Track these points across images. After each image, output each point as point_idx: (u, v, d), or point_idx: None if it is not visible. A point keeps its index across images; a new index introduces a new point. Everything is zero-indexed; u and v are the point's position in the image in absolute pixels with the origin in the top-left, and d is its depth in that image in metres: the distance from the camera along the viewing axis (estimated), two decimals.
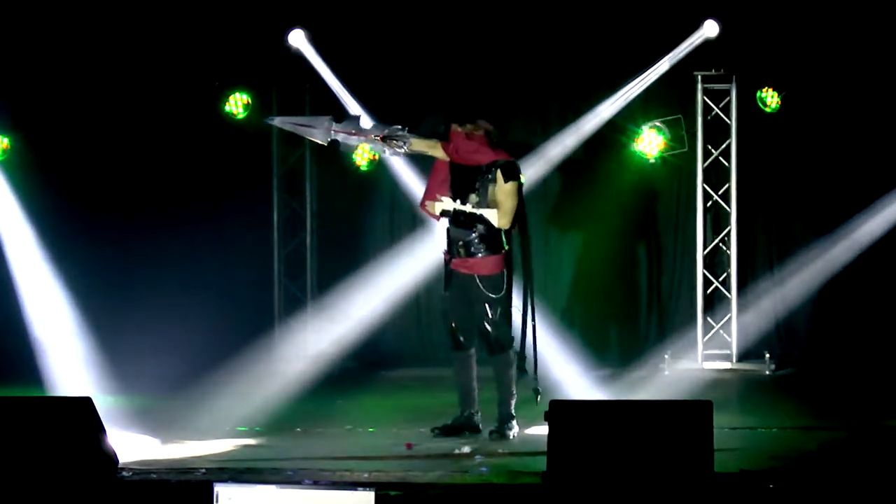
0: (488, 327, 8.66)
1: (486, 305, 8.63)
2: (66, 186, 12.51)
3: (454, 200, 8.62)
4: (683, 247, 12.96)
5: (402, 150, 8.88)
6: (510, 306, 8.73)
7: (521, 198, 8.69)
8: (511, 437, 8.67)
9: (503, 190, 8.56)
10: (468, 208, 8.56)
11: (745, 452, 7.84)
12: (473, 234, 8.61)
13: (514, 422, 8.74)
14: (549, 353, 11.15)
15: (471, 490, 6.91)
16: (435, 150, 8.81)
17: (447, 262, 8.80)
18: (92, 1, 12.19)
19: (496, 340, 8.69)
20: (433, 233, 12.03)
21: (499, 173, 8.58)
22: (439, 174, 8.86)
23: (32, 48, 12.21)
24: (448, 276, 8.79)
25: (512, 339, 8.74)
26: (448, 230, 8.75)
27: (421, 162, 11.14)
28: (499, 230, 8.60)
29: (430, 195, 8.81)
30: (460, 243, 8.66)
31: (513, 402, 8.76)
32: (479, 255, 8.63)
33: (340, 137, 8.94)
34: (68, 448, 6.14)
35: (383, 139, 8.82)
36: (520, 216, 8.72)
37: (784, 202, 12.80)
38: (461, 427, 8.84)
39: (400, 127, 8.87)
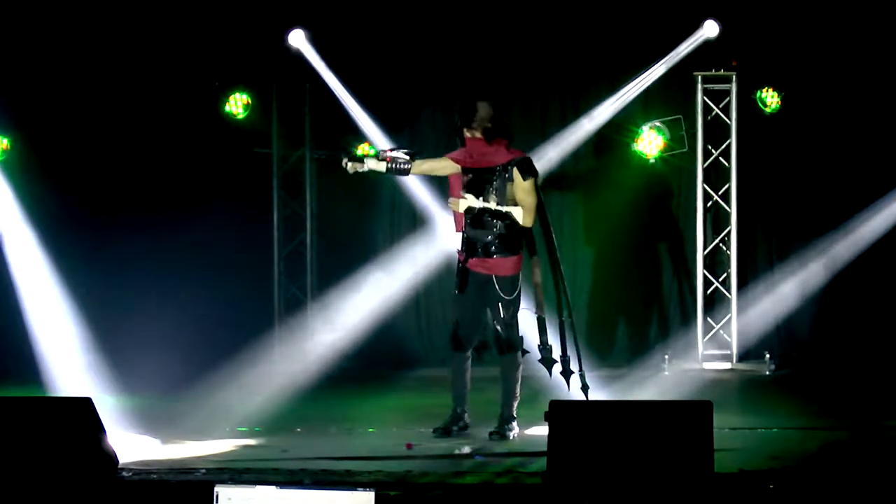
0: (500, 328, 8.66)
1: (500, 306, 8.62)
2: (66, 187, 12.51)
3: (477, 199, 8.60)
4: (683, 247, 12.97)
5: (405, 168, 8.77)
6: (519, 307, 8.72)
7: (540, 194, 8.69)
8: (511, 437, 8.67)
9: (522, 188, 8.54)
10: (493, 205, 8.53)
11: (745, 452, 7.84)
12: (493, 235, 8.60)
13: (515, 423, 8.75)
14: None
15: (471, 490, 6.91)
16: (444, 165, 8.79)
17: (462, 263, 8.74)
18: (92, 1, 12.20)
19: (507, 341, 8.68)
20: (433, 233, 12.10)
21: (516, 171, 8.56)
22: (456, 185, 8.78)
23: (33, 48, 12.22)
24: (463, 278, 8.74)
25: (521, 339, 8.73)
26: (465, 231, 8.68)
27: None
28: (517, 230, 8.59)
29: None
30: (479, 244, 8.63)
31: (515, 404, 8.77)
32: (498, 255, 8.61)
33: (350, 167, 8.97)
34: (68, 448, 6.14)
35: (389, 159, 8.74)
36: (540, 213, 8.72)
37: (784, 202, 12.80)
38: (455, 422, 8.87)
39: (406, 150, 8.83)
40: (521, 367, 8.75)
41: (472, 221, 8.60)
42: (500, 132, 8.65)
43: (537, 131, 12.86)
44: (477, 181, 8.63)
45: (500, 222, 8.56)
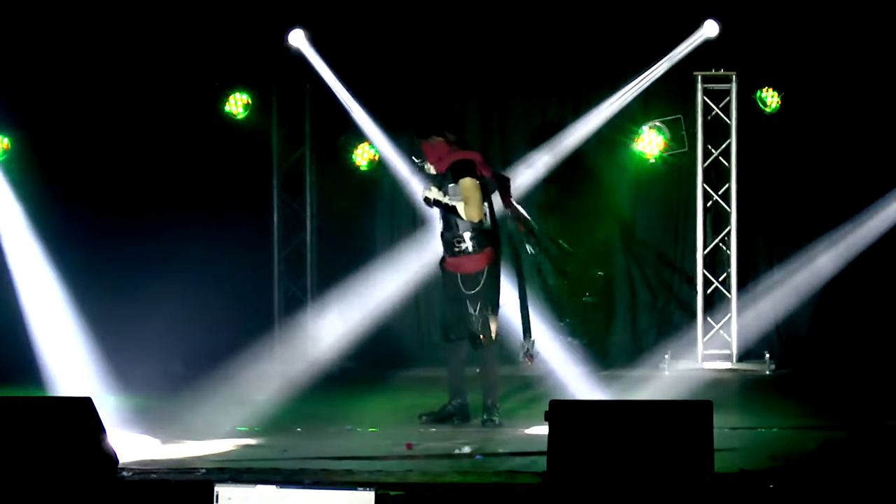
0: (470, 322, 9.09)
1: (468, 301, 9.09)
2: (67, 186, 12.51)
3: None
4: (683, 247, 12.97)
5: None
6: (493, 301, 9.12)
7: (482, 192, 9.14)
8: (499, 422, 9.11)
9: (463, 187, 9.07)
10: (442, 197, 9.12)
11: (745, 452, 7.84)
12: (458, 235, 9.12)
13: (494, 413, 9.20)
14: (550, 352, 11.17)
15: (471, 490, 6.90)
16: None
17: (441, 262, 9.33)
18: (92, 1, 12.20)
19: (477, 335, 9.10)
20: (433, 233, 12.08)
21: (451, 175, 9.13)
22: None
23: (33, 48, 12.22)
24: (442, 275, 9.34)
25: (488, 329, 9.09)
26: (441, 232, 9.28)
27: None
28: (482, 231, 9.09)
29: None
30: (448, 243, 9.20)
31: (497, 393, 9.25)
32: (463, 254, 9.13)
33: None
34: (68, 448, 6.14)
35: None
36: (490, 208, 9.21)
37: (784, 202, 12.81)
38: (449, 415, 9.33)
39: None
40: (495, 360, 9.20)
41: (443, 223, 9.21)
42: (443, 136, 9.24)
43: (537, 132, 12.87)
44: (436, 183, 9.28)
45: (459, 222, 9.10)
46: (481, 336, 9.08)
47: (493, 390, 9.22)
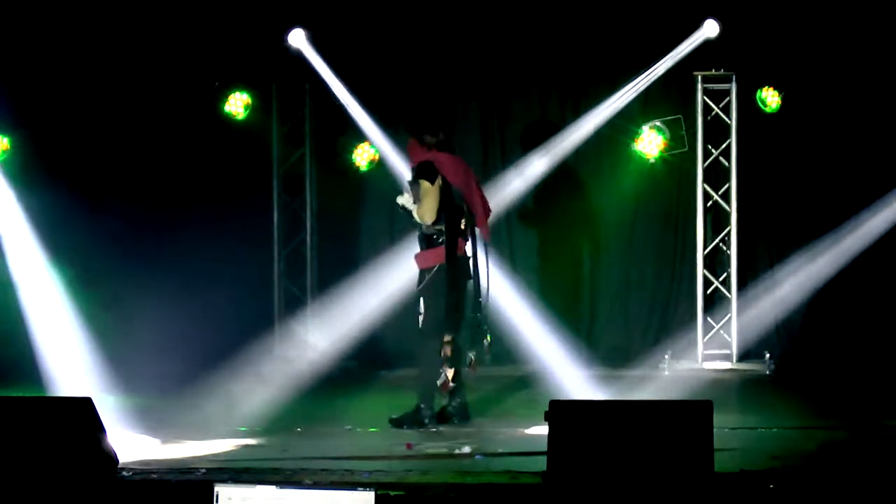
0: (418, 315, 9.28)
1: (419, 296, 9.29)
2: (67, 187, 12.49)
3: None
4: (683, 247, 12.96)
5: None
6: (438, 301, 9.20)
7: (444, 195, 9.22)
8: (405, 428, 9.13)
9: (420, 188, 9.21)
10: (407, 203, 9.32)
11: (745, 452, 7.85)
12: (419, 235, 9.34)
13: (424, 415, 9.19)
14: (550, 352, 11.18)
15: (471, 490, 6.90)
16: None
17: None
18: (92, 1, 12.20)
19: (419, 328, 9.27)
20: None
21: (413, 175, 9.32)
22: None
23: (33, 48, 12.22)
24: None
25: (435, 329, 9.19)
26: None
27: None
28: (438, 231, 9.22)
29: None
30: (419, 243, 9.41)
31: (429, 394, 9.24)
32: (420, 250, 9.34)
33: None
34: (68, 448, 6.14)
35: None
36: (446, 212, 9.24)
37: (784, 202, 12.80)
38: (449, 416, 9.34)
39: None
40: (434, 355, 9.21)
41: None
42: (417, 137, 9.39)
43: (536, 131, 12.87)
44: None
45: (417, 222, 9.28)
46: (421, 330, 9.21)
47: (422, 388, 9.25)
